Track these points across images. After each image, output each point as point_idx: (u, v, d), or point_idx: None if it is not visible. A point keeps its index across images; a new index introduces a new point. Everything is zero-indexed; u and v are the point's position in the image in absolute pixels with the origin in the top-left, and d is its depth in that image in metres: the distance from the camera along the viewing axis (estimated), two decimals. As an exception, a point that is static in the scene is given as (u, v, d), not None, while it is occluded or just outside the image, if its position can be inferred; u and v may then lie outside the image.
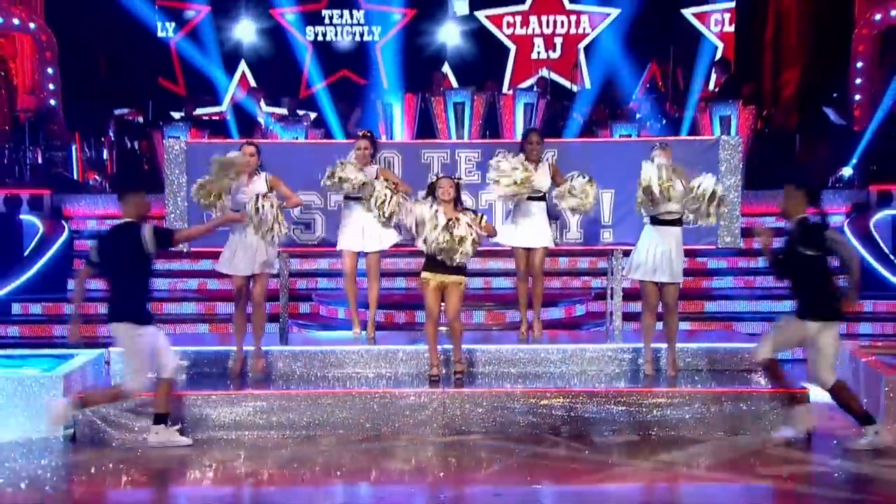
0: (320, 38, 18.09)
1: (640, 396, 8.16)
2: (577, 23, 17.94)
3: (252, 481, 7.24)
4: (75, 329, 7.90)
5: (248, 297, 8.74)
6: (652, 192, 8.32)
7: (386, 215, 8.95)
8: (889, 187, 13.17)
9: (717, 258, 12.68)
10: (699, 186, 8.38)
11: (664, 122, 14.93)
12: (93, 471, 7.41)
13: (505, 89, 16.91)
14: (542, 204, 9.16)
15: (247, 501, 7.01)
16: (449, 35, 18.07)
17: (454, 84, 16.72)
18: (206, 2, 17.77)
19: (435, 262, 8.35)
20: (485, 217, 8.54)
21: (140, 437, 7.94)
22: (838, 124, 15.13)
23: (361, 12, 18.05)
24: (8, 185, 13.87)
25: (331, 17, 18.08)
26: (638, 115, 15.32)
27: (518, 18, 17.91)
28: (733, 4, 17.40)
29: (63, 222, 13.30)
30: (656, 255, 8.45)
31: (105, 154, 15.64)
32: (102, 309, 11.85)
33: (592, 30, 17.86)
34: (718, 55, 17.04)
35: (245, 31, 17.98)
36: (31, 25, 15.49)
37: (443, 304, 8.45)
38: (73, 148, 15.39)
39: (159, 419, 7.83)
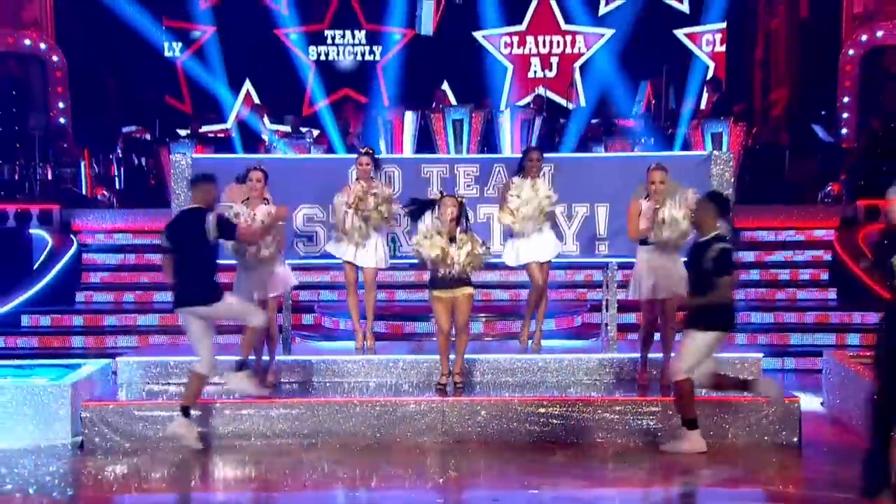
0: (323, 57, 18.13)
1: (635, 405, 8.14)
2: (573, 42, 17.99)
3: (256, 488, 7.23)
4: None
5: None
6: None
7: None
8: (876, 202, 13.17)
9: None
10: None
11: (657, 137, 14.94)
12: (100, 477, 7.39)
13: (502, 107, 16.93)
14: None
15: (251, 507, 7.00)
16: (448, 54, 18.10)
17: (453, 101, 16.74)
18: (211, 22, 17.81)
19: (440, 281, 8.30)
20: (487, 247, 8.48)
21: (153, 444, 7.93)
22: (826, 141, 15.16)
23: (363, 32, 18.09)
24: (18, 201, 13.87)
25: (333, 37, 18.12)
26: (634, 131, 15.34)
27: (515, 38, 17.96)
28: (724, 25, 17.45)
29: (71, 236, 13.29)
30: (655, 271, 8.39)
31: (113, 170, 15.62)
32: (110, 320, 12.06)
33: (587, 49, 17.90)
34: (710, 74, 17.08)
35: (249, 50, 17.99)
36: (42, 46, 15.55)
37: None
38: (82, 164, 15.38)
39: (241, 365, 7.99)
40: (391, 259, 9.35)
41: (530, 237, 9.06)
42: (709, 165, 9.50)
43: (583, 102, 17.09)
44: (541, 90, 16.70)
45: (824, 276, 12.78)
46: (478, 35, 17.94)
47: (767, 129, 15.66)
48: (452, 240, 8.19)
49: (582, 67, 17.87)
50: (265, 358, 8.72)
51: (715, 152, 9.93)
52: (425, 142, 14.72)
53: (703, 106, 15.93)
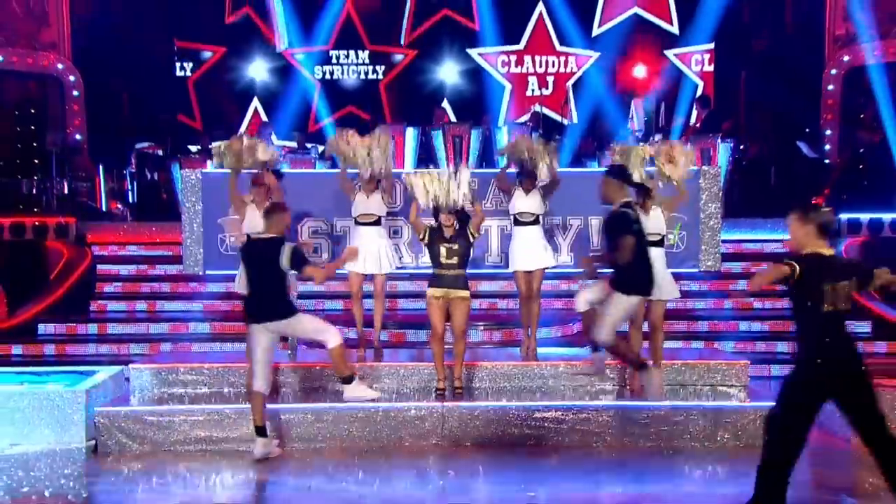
0: (328, 76, 18.15)
1: (628, 410, 8.13)
2: (566, 62, 18.01)
3: (262, 491, 7.21)
4: None
5: None
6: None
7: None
8: (858, 215, 13.19)
9: (699, 281, 12.65)
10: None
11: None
12: (113, 480, 7.38)
13: (500, 123, 16.95)
14: (538, 228, 9.12)
15: (257, 508, 6.99)
16: (448, 74, 18.14)
17: (452, 119, 16.76)
18: (221, 43, 17.85)
19: (439, 279, 8.30)
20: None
21: (161, 448, 7.92)
22: (810, 157, 15.18)
23: (366, 53, 18.13)
24: (36, 214, 13.87)
25: (338, 57, 18.14)
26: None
27: (513, 58, 17.97)
28: (712, 46, 17.49)
29: (87, 248, 13.28)
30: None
31: (126, 185, 15.63)
32: (125, 329, 12.04)
33: (579, 69, 17.92)
34: (699, 93, 17.10)
35: (258, 70, 18.04)
36: (59, 66, 15.58)
37: (448, 323, 8.38)
38: (97, 179, 15.39)
39: (347, 380, 7.98)
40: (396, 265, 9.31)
41: (527, 242, 9.04)
42: (698, 180, 9.52)
43: (575, 119, 17.10)
44: (537, 107, 16.72)
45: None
46: (473, 53, 17.91)
47: (754, 145, 15.66)
48: (451, 239, 8.22)
49: (575, 85, 17.89)
50: None
51: (704, 167, 9.94)
52: (426, 157, 14.71)
53: (692, 123, 15.94)
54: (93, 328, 12.12)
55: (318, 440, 8.09)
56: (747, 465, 7.42)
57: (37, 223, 13.45)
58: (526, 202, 9.01)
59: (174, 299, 12.59)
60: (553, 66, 18.01)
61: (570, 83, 17.80)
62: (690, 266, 9.65)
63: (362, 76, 18.17)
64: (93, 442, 8.11)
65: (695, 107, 16.02)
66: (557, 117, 16.74)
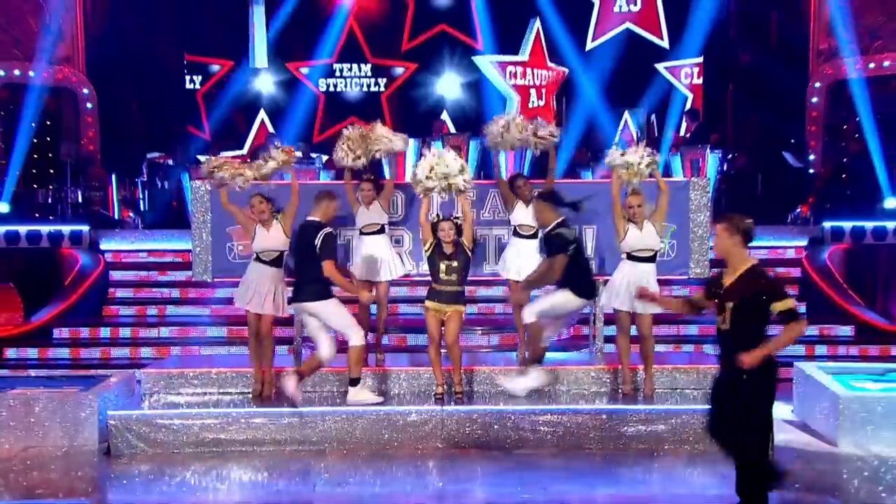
0: (332, 88, 18.12)
1: (620, 413, 8.10)
2: (559, 75, 17.96)
3: (269, 492, 7.18)
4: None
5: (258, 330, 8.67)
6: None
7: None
8: (841, 224, 13.17)
9: (689, 287, 12.62)
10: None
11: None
12: (125, 482, 7.35)
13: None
14: (534, 242, 9.06)
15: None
16: (447, 86, 18.12)
17: (452, 130, 16.73)
18: (229, 57, 17.84)
19: (436, 293, 8.29)
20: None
21: (169, 451, 7.89)
22: (795, 167, 15.15)
23: (368, 66, 18.10)
24: (51, 222, 13.84)
25: (341, 71, 18.12)
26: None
27: (519, 69, 17.89)
28: (701, 60, 17.47)
29: (100, 255, 13.25)
30: (630, 287, 8.38)
31: (138, 193, 15.60)
32: (134, 332, 12.01)
33: (574, 81, 17.86)
34: (689, 105, 17.07)
35: (264, 82, 18.02)
36: (74, 79, 15.56)
37: (443, 328, 8.37)
38: (110, 188, 15.36)
39: (354, 382, 8.11)
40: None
41: (523, 253, 9.00)
42: (688, 191, 9.49)
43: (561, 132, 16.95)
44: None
45: (793, 291, 12.74)
46: (483, 60, 17.74)
47: (741, 156, 15.63)
48: (451, 256, 8.20)
49: (569, 98, 17.83)
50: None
51: (693, 179, 9.91)
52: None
53: (682, 134, 15.91)
54: (105, 332, 12.09)
55: (323, 442, 8.05)
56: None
57: (52, 231, 13.41)
58: (527, 214, 8.95)
59: (182, 304, 12.57)
60: (545, 78, 17.96)
61: (560, 94, 17.74)
62: (681, 273, 9.61)
63: (364, 88, 18.17)
64: (105, 444, 8.08)
65: (684, 119, 16.00)
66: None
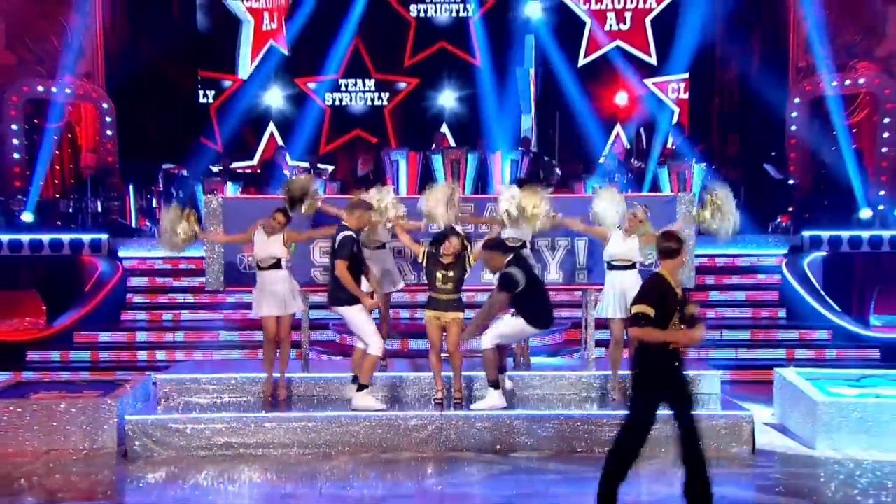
0: (337, 102, 18.16)
1: (610, 417, 8.08)
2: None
3: (278, 495, 7.18)
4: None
5: (276, 334, 8.65)
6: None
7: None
8: (819, 233, 13.17)
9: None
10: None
11: (629, 176, 14.91)
12: (141, 485, 7.35)
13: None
14: (525, 251, 9.04)
15: (273, 512, 6.96)
16: (447, 101, 18.12)
17: (451, 143, 16.72)
18: (240, 73, 17.86)
19: (436, 301, 8.29)
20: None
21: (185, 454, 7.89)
22: (776, 178, 15.15)
23: (372, 81, 18.13)
24: (72, 231, 13.83)
25: (346, 86, 18.14)
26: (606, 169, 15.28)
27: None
28: (687, 76, 17.49)
29: (118, 263, 13.25)
30: (615, 294, 8.41)
31: (154, 203, 15.59)
32: (151, 337, 11.99)
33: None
34: (675, 119, 17.08)
35: (273, 97, 18.03)
36: (94, 94, 15.55)
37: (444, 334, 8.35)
38: (127, 198, 15.36)
39: (361, 387, 8.08)
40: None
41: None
42: (675, 205, 9.49)
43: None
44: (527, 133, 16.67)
45: (774, 297, 12.75)
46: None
47: (724, 168, 15.61)
48: (448, 266, 8.19)
49: (562, 110, 17.80)
50: (276, 374, 8.69)
51: (680, 194, 9.92)
52: (427, 179, 14.64)
53: (669, 146, 15.91)
54: (123, 336, 12.09)
55: (328, 446, 8.04)
56: (714, 470, 7.45)
57: (73, 239, 13.40)
58: (514, 230, 8.92)
59: (197, 309, 12.57)
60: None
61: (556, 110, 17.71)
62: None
63: (369, 102, 18.18)
64: (123, 447, 8.07)
65: (671, 132, 15.99)
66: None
